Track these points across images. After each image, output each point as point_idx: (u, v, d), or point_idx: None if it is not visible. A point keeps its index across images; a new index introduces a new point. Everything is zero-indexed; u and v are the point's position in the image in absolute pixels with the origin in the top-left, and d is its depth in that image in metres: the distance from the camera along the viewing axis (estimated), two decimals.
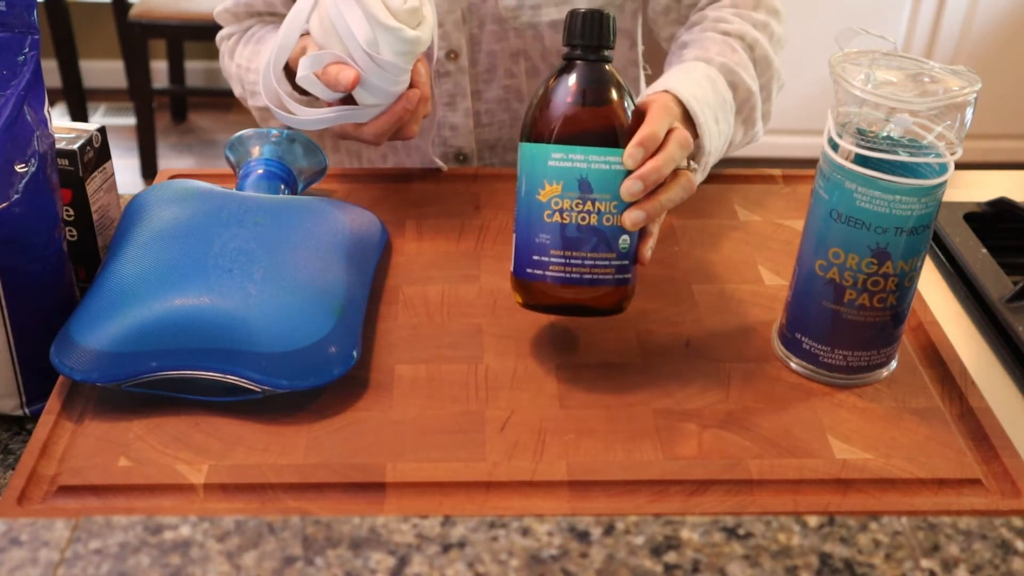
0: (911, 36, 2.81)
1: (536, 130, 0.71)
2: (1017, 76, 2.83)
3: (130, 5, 2.94)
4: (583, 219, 0.70)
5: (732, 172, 1.00)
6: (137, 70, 2.89)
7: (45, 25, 2.87)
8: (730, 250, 0.88)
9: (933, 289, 0.89)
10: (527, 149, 0.71)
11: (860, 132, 0.66)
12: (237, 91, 1.05)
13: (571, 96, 0.71)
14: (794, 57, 2.87)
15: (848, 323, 0.70)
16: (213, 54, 3.46)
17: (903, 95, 0.64)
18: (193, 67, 3.44)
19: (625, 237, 0.71)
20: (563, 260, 0.71)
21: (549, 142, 0.70)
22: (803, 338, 0.73)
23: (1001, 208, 0.99)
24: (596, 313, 0.73)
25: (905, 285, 0.69)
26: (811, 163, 0.77)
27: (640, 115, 0.74)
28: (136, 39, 2.81)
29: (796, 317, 0.73)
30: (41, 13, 2.21)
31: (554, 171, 0.70)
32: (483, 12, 0.99)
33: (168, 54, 3.19)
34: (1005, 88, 2.83)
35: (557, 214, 0.70)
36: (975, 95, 0.64)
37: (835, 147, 0.67)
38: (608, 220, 0.70)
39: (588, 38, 0.72)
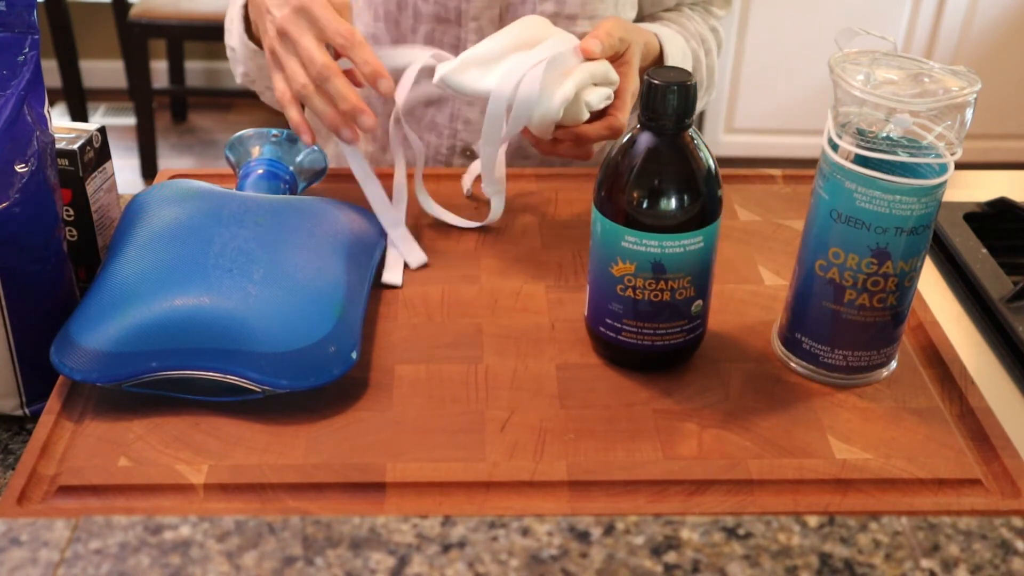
0: (911, 36, 2.81)
1: (610, 205, 0.69)
2: (1017, 76, 2.84)
3: (130, 5, 2.94)
4: (656, 296, 0.69)
5: (732, 172, 1.00)
6: (137, 70, 2.89)
7: (45, 25, 2.87)
8: (730, 250, 0.88)
9: (933, 289, 0.89)
10: (600, 220, 0.70)
11: (860, 132, 0.66)
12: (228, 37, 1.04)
13: (647, 181, 0.67)
14: (794, 57, 2.90)
15: (848, 323, 0.70)
16: (213, 54, 3.47)
17: (903, 95, 0.64)
18: (193, 67, 3.45)
19: (699, 302, 0.71)
20: (635, 329, 0.71)
21: (623, 224, 0.68)
22: (803, 338, 0.73)
23: (1001, 208, 0.99)
24: (668, 365, 0.74)
25: (905, 285, 0.69)
26: (811, 163, 0.77)
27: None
28: (136, 39, 2.81)
29: (796, 317, 0.73)
30: (41, 13, 2.21)
31: (628, 252, 0.68)
32: (520, 13, 0.99)
33: (168, 54, 3.19)
34: (1005, 88, 2.83)
35: (630, 290, 0.70)
36: (975, 95, 0.64)
37: (835, 147, 0.67)
38: (681, 295, 0.70)
39: (670, 114, 0.67)
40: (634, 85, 0.88)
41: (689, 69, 1.00)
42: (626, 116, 0.87)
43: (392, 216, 0.87)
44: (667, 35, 0.98)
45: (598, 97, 0.84)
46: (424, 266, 0.84)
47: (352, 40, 0.80)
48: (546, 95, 0.82)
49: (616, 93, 0.87)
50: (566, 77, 0.82)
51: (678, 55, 0.98)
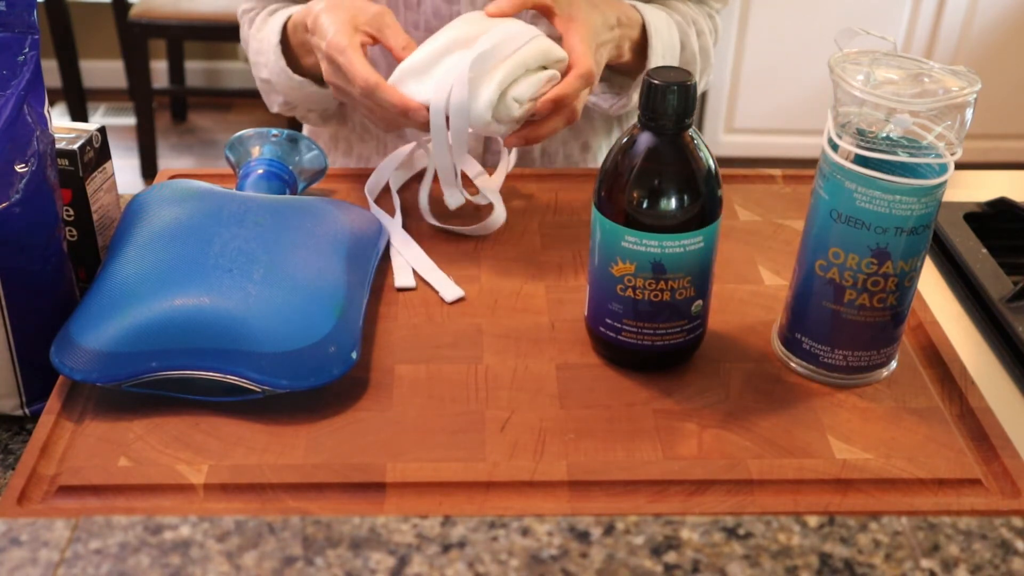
0: (911, 36, 2.81)
1: (610, 205, 0.69)
2: (1017, 76, 2.84)
3: (130, 5, 2.94)
4: (656, 296, 0.69)
5: (732, 172, 1.00)
6: (137, 70, 2.89)
7: (45, 25, 2.87)
8: (730, 250, 0.88)
9: (933, 289, 0.89)
10: (600, 220, 0.70)
11: (860, 132, 0.66)
12: (250, 58, 1.06)
13: (647, 181, 0.68)
14: (794, 57, 2.89)
15: (848, 323, 0.70)
16: (213, 54, 3.47)
17: (903, 95, 0.64)
18: (193, 67, 3.45)
19: (699, 302, 0.71)
20: (635, 329, 0.71)
21: (623, 224, 0.68)
22: (803, 338, 0.73)
23: (1001, 208, 0.99)
24: (668, 364, 0.74)
25: (905, 285, 0.69)
26: (811, 163, 0.77)
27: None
28: (136, 39, 2.81)
29: (796, 317, 0.73)
30: (41, 13, 2.21)
31: (628, 251, 0.68)
32: None
33: (168, 54, 3.19)
34: (1005, 88, 2.83)
35: (630, 290, 0.70)
36: (975, 95, 0.64)
37: (835, 147, 0.67)
38: (681, 295, 0.70)
39: (670, 114, 0.66)
40: (580, 48, 0.84)
41: (676, 41, 0.98)
42: (573, 88, 0.83)
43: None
44: (648, 8, 0.97)
45: (528, 88, 0.81)
46: (460, 299, 0.82)
47: (367, 89, 0.82)
48: (473, 99, 0.80)
49: (569, 64, 0.84)
50: (491, 76, 0.80)
51: (661, 25, 0.96)
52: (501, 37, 0.81)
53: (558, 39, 0.86)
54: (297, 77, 0.97)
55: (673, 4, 1.04)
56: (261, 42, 1.00)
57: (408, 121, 0.83)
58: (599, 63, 0.88)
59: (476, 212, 0.93)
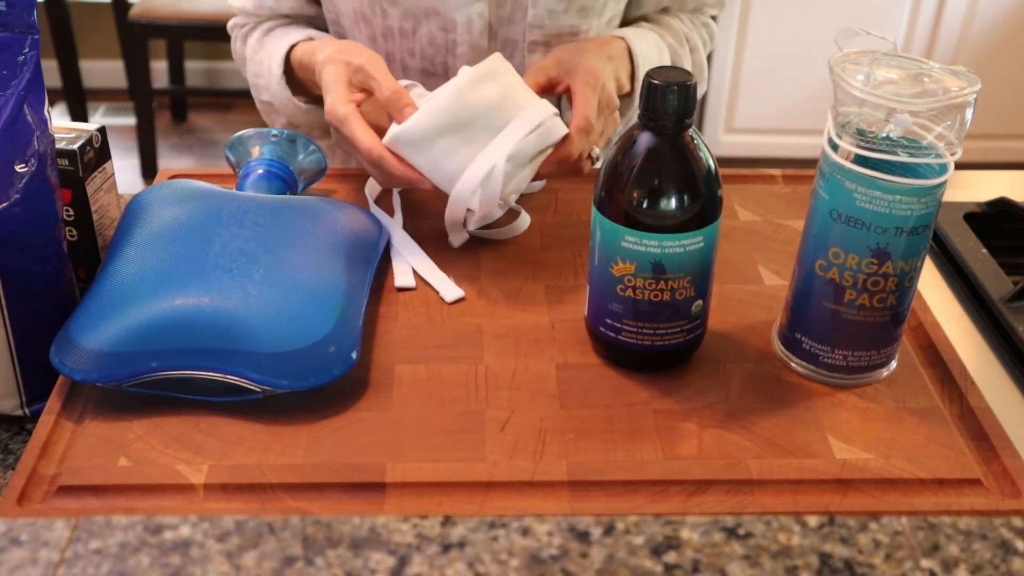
0: (911, 36, 2.81)
1: (610, 205, 0.69)
2: (1017, 76, 2.84)
3: (130, 5, 2.94)
4: (656, 296, 0.69)
5: (732, 172, 1.00)
6: (137, 70, 2.89)
7: (45, 25, 2.87)
8: (730, 250, 0.88)
9: (933, 289, 0.89)
10: (600, 220, 0.70)
11: (860, 132, 0.66)
12: (247, 77, 1.06)
13: (647, 181, 0.68)
14: (794, 57, 2.89)
15: (848, 323, 0.70)
16: (213, 54, 3.47)
17: (903, 95, 0.64)
18: (193, 67, 3.45)
19: (699, 302, 0.71)
20: (635, 329, 0.71)
21: (623, 224, 0.68)
22: (803, 338, 0.73)
23: (1001, 208, 0.99)
24: (668, 364, 0.74)
25: (905, 285, 0.69)
26: (811, 163, 0.77)
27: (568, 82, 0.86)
28: (136, 39, 2.81)
29: (796, 317, 0.73)
30: (41, 13, 2.21)
31: (628, 251, 0.68)
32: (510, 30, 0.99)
33: (168, 54, 3.19)
34: (1005, 88, 2.83)
35: (630, 290, 0.70)
36: (975, 95, 0.64)
37: (835, 147, 0.67)
38: (681, 295, 0.70)
39: (670, 114, 0.66)
40: (580, 98, 0.86)
41: (667, 63, 0.99)
42: (575, 147, 0.85)
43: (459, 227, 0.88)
44: (634, 34, 0.97)
45: (528, 175, 0.83)
46: (460, 299, 0.82)
47: (371, 158, 0.83)
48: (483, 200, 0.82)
49: (573, 115, 0.85)
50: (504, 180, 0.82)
51: (651, 52, 0.97)
52: (514, 131, 0.81)
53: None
54: (303, 104, 0.98)
55: (666, 21, 1.04)
56: (260, 65, 1.00)
57: (412, 187, 0.85)
58: (607, 97, 0.88)
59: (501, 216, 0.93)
